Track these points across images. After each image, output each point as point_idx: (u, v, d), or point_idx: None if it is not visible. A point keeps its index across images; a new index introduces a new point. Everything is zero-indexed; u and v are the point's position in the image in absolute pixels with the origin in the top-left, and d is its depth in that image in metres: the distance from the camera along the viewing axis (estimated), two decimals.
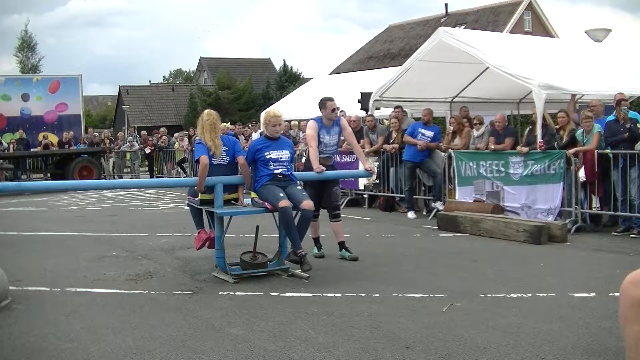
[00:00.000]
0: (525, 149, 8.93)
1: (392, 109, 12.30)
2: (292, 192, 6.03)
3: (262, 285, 5.73)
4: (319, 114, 6.94)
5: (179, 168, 18.84)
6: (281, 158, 6.12)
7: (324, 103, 6.84)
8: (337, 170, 7.36)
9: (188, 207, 6.61)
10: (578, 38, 30.50)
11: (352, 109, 13.79)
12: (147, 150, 20.09)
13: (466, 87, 12.56)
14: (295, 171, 6.71)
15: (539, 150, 8.78)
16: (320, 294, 5.34)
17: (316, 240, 7.08)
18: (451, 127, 10.71)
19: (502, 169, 9.24)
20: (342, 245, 6.94)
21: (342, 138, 7.24)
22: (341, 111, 13.86)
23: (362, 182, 11.67)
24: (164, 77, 73.00)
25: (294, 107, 17.40)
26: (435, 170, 10.23)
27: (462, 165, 9.84)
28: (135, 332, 4.42)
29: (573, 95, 10.07)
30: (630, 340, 1.88)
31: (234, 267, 6.03)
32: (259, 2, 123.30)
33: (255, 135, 15.32)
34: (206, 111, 6.30)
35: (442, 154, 10.31)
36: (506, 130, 9.70)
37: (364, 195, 11.82)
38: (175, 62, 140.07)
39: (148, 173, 20.62)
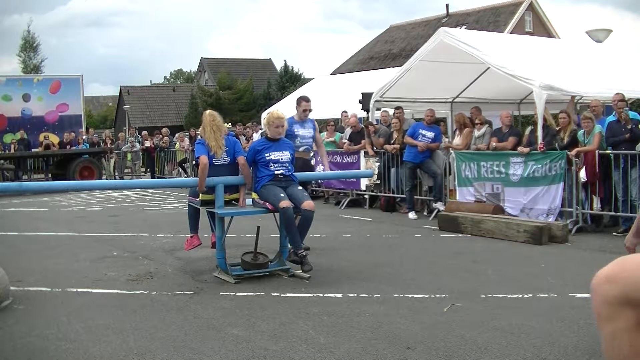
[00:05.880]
0: (526, 150, 8.93)
1: (381, 111, 12.31)
2: (292, 193, 6.03)
3: (263, 285, 5.73)
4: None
5: (179, 168, 18.85)
6: (282, 159, 6.12)
7: (299, 101, 7.45)
8: (337, 171, 7.41)
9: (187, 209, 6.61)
10: (579, 38, 30.48)
11: (353, 110, 13.81)
12: (147, 144, 20.01)
13: (467, 87, 12.56)
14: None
15: (539, 150, 8.79)
16: (321, 295, 5.34)
17: None
18: (455, 126, 10.70)
19: (503, 170, 9.23)
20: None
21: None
22: (343, 111, 13.93)
23: (364, 182, 11.69)
24: (164, 77, 73.10)
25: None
26: (435, 171, 10.23)
27: (463, 166, 9.84)
28: (136, 332, 4.42)
29: (573, 97, 10.08)
30: (606, 339, 1.83)
31: (234, 268, 6.03)
32: (259, 2, 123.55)
33: (256, 136, 15.34)
34: (208, 111, 6.30)
35: (441, 152, 10.31)
36: (510, 129, 9.69)
37: (365, 196, 11.83)
38: (176, 62, 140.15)
39: (149, 173, 20.63)
